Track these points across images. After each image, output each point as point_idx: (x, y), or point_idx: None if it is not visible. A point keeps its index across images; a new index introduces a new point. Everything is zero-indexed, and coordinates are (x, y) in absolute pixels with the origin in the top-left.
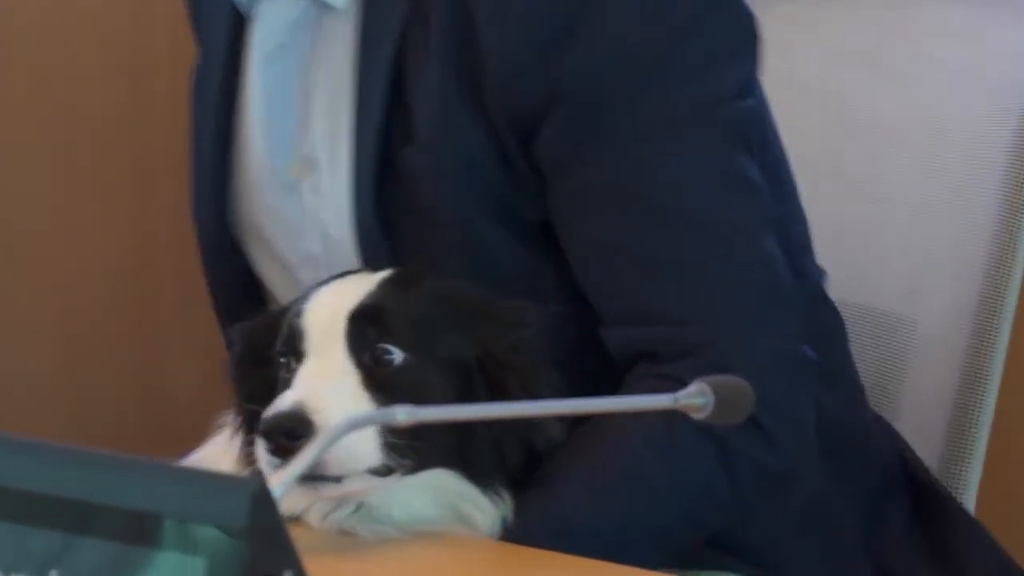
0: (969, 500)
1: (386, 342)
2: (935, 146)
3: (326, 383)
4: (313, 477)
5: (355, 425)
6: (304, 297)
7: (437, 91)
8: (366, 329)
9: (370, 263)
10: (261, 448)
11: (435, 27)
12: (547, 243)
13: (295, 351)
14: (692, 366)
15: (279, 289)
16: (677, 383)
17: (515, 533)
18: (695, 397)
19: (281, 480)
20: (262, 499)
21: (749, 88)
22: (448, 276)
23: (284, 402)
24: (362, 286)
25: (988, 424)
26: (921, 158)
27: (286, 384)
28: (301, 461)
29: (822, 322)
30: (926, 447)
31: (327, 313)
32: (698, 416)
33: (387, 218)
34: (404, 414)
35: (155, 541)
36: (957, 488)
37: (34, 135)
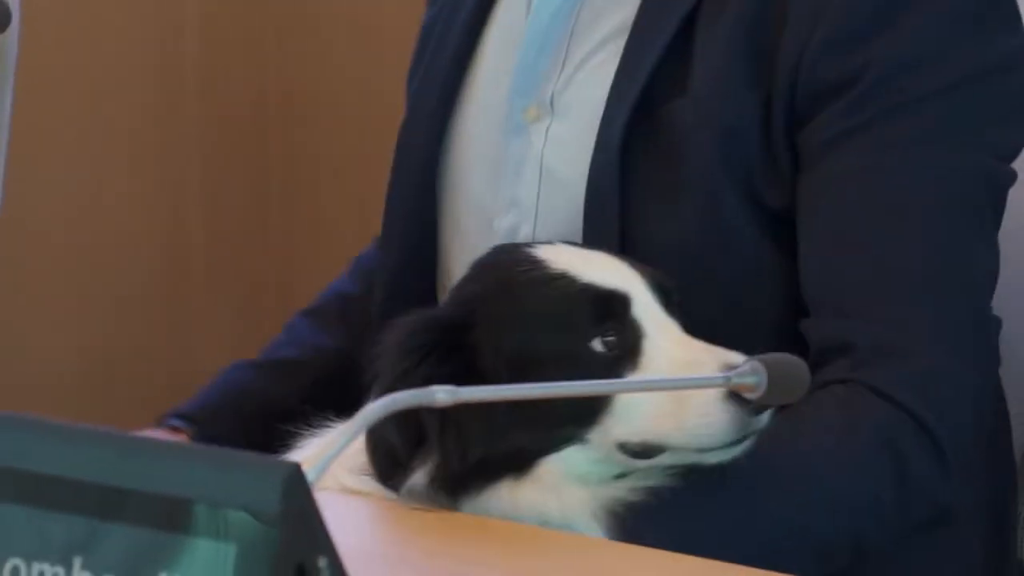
0: None
1: (678, 313)
2: None
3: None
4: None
5: (395, 406)
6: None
7: (726, 46)
8: (668, 300)
9: (593, 213)
10: (734, 409)
11: None
12: (776, 237)
13: (623, 323)
14: (892, 376)
15: (459, 255)
16: (867, 394)
17: (661, 531)
18: (748, 376)
19: (315, 463)
20: (295, 483)
21: (1010, 158)
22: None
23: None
24: (600, 260)
25: None
26: None
27: (624, 355)
28: (340, 441)
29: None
30: None
31: (629, 281)
32: (752, 396)
33: (626, 170)
34: (445, 394)
35: (186, 527)
36: None
37: (62, 118)
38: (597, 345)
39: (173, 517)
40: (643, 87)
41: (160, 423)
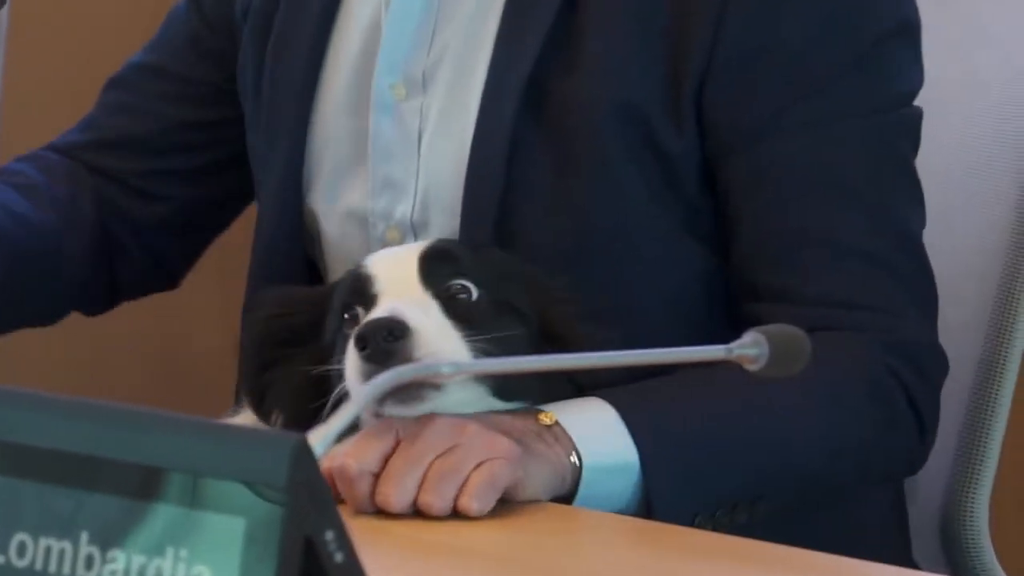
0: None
1: (461, 279)
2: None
3: (409, 304)
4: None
5: (401, 377)
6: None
7: (622, 23)
8: (439, 267)
9: (474, 190)
10: (354, 359)
11: None
12: (689, 225)
13: (364, 298)
14: (880, 345)
15: (335, 245)
16: (865, 348)
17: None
18: (749, 348)
19: (321, 437)
20: (302, 456)
21: (913, 97)
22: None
23: (376, 313)
24: (420, 245)
25: (1001, 428)
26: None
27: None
28: (342, 417)
29: None
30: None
31: (395, 260)
32: (753, 368)
33: (515, 143)
34: (448, 368)
35: (158, 495)
36: (969, 490)
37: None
38: (343, 329)
39: (148, 486)
40: (531, 63)
41: None
